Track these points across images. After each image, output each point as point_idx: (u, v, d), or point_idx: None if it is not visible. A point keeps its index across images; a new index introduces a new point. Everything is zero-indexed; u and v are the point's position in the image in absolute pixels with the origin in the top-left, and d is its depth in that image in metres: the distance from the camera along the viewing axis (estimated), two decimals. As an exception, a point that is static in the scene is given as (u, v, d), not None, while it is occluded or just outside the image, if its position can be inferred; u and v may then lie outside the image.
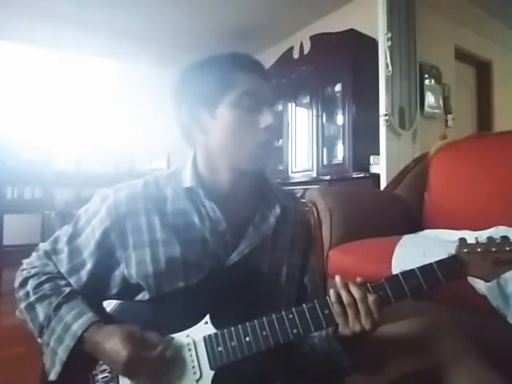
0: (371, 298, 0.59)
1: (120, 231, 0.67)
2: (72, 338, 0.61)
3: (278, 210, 0.73)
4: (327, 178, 3.05)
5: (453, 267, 0.61)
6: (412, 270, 0.61)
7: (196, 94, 0.68)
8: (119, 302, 0.68)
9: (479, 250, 0.60)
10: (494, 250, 0.60)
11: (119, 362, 0.57)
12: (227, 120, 0.66)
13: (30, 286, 0.67)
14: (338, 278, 0.62)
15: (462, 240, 0.62)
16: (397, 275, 0.61)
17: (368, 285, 0.61)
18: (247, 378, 0.62)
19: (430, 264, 0.61)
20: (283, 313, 0.61)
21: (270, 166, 0.72)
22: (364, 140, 2.94)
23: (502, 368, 0.65)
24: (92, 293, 0.68)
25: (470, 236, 1.28)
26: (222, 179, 0.70)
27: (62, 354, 0.61)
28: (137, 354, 0.57)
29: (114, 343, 0.58)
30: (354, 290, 0.60)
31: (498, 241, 0.61)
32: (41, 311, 0.65)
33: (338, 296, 0.60)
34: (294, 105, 3.64)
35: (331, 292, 0.61)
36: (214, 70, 0.68)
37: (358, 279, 0.62)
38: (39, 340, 0.66)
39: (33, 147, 3.16)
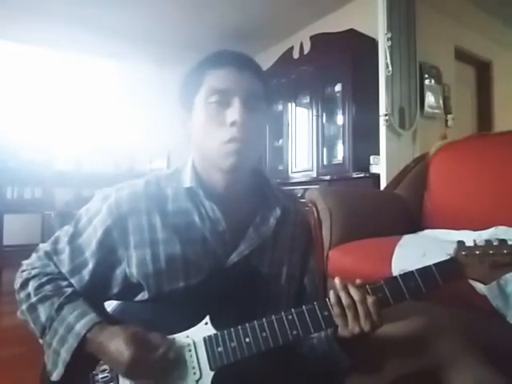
0: (370, 300, 0.59)
1: (121, 230, 0.67)
2: (75, 339, 0.61)
3: (278, 211, 0.73)
4: (327, 178, 3.05)
5: (451, 270, 0.61)
6: (411, 273, 0.61)
7: (179, 98, 0.71)
8: (119, 302, 0.68)
9: (477, 252, 0.61)
10: (491, 252, 0.60)
11: (122, 362, 0.58)
12: (199, 119, 0.67)
13: (31, 288, 0.67)
14: (337, 280, 0.62)
15: (460, 243, 0.63)
16: (396, 277, 0.61)
17: (367, 287, 0.61)
18: (247, 378, 0.63)
19: (429, 266, 0.61)
20: (283, 314, 0.61)
21: (251, 161, 0.70)
22: (364, 140, 2.94)
23: (502, 367, 0.65)
24: (94, 292, 0.68)
25: (470, 236, 1.28)
26: (217, 179, 0.70)
27: (65, 354, 0.61)
28: (139, 355, 0.57)
29: (117, 344, 0.58)
30: (353, 291, 0.60)
31: (495, 244, 0.61)
32: (42, 312, 0.65)
33: (338, 298, 0.60)
34: (293, 105, 3.64)
35: (331, 294, 0.61)
36: (190, 72, 0.70)
37: (358, 281, 0.62)
38: (40, 341, 0.66)
39: (33, 147, 3.18)
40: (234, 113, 0.64)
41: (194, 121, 0.68)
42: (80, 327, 0.61)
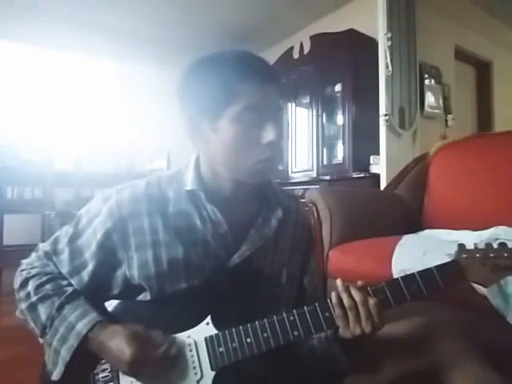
0: (372, 301, 0.59)
1: (122, 232, 0.67)
2: (76, 338, 0.61)
3: (280, 212, 0.73)
4: (327, 178, 3.06)
5: (452, 272, 0.61)
6: (412, 275, 0.61)
7: (197, 103, 0.66)
8: (120, 301, 0.68)
9: (478, 255, 0.61)
10: (492, 255, 0.60)
11: (124, 361, 0.58)
12: (228, 134, 0.63)
13: (31, 287, 0.67)
14: (339, 282, 0.62)
15: (461, 245, 0.63)
16: (397, 279, 0.62)
17: (368, 288, 0.61)
18: (248, 378, 0.63)
19: (430, 269, 0.61)
20: (284, 315, 0.61)
21: (272, 176, 0.72)
22: (364, 140, 2.94)
23: (502, 368, 0.65)
24: (94, 293, 0.68)
25: (470, 236, 1.28)
26: (224, 185, 0.69)
27: (65, 353, 0.61)
28: (141, 353, 0.58)
29: (118, 342, 0.59)
30: (354, 293, 0.60)
31: (496, 247, 0.61)
32: (43, 311, 0.65)
33: (339, 299, 0.60)
34: (293, 105, 3.65)
35: (332, 295, 0.61)
36: (217, 79, 0.63)
37: (359, 283, 0.62)
38: (40, 340, 0.66)
39: (32, 147, 3.17)
40: (270, 133, 0.63)
41: (219, 132, 0.64)
42: (81, 327, 0.61)
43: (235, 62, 0.64)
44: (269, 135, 0.63)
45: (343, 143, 3.09)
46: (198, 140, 0.68)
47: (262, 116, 0.64)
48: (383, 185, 2.57)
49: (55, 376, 0.62)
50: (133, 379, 0.61)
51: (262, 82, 0.64)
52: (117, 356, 0.58)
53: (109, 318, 0.65)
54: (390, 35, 2.60)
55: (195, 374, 0.60)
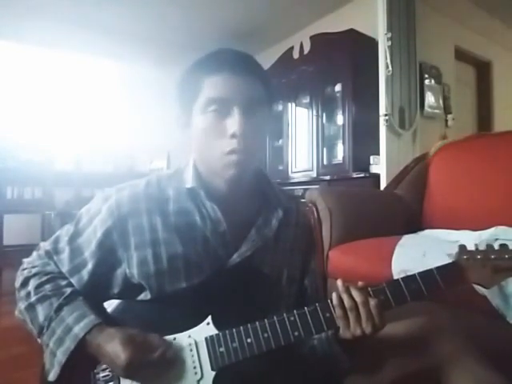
0: (372, 302, 0.59)
1: (122, 231, 0.67)
2: (73, 341, 0.61)
3: (280, 213, 0.73)
4: (327, 178, 3.06)
5: (453, 273, 0.61)
6: (413, 275, 0.62)
7: (178, 102, 0.70)
8: (121, 301, 0.68)
9: (479, 256, 0.61)
10: (493, 257, 0.60)
11: (119, 365, 0.58)
12: (197, 129, 0.66)
13: (31, 287, 0.67)
14: (339, 282, 0.62)
15: (462, 247, 0.63)
16: (398, 280, 0.62)
17: (369, 289, 0.61)
18: (248, 378, 0.63)
19: (431, 270, 0.61)
20: (285, 315, 0.61)
21: (252, 169, 0.70)
22: (364, 140, 2.94)
23: (502, 368, 0.65)
24: (93, 292, 0.68)
25: (470, 236, 1.28)
26: (218, 183, 0.69)
27: (61, 356, 0.61)
28: (136, 357, 0.57)
29: (114, 346, 0.58)
30: (355, 294, 0.60)
31: (497, 248, 0.61)
32: (41, 312, 0.65)
33: (340, 300, 0.61)
34: (293, 105, 3.64)
35: (333, 295, 0.61)
36: (187, 77, 0.68)
37: (360, 283, 0.62)
38: (39, 340, 0.66)
39: (32, 147, 3.18)
40: (233, 124, 0.63)
41: (193, 127, 0.67)
42: (78, 329, 0.61)
43: (203, 58, 0.68)
44: (232, 126, 0.63)
45: (343, 143, 3.09)
46: (186, 137, 0.71)
47: (227, 106, 0.64)
48: (383, 185, 2.57)
49: (51, 377, 0.62)
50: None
51: (229, 72, 0.64)
52: (112, 359, 0.58)
53: (108, 319, 0.65)
54: (389, 35, 2.61)
55: (195, 373, 0.60)
